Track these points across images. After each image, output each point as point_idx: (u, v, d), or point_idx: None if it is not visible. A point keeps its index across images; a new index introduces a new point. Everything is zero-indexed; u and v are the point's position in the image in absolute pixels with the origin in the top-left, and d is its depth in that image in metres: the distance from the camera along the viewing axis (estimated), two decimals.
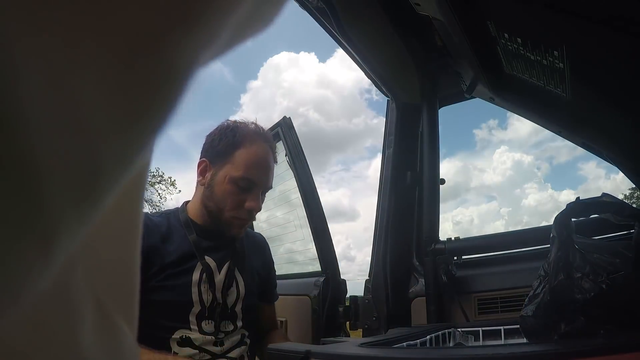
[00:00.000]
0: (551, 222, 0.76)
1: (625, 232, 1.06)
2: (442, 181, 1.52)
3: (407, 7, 1.07)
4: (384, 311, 1.40)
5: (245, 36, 0.15)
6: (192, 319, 1.05)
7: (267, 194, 1.21)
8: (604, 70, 0.77)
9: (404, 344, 0.78)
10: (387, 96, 1.61)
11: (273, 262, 1.36)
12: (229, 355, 1.08)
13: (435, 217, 1.48)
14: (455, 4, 0.90)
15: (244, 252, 1.23)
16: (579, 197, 0.77)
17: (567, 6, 0.65)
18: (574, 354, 0.41)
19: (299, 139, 1.64)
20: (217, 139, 1.15)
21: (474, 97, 1.34)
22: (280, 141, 1.63)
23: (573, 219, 0.76)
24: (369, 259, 1.55)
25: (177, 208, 1.22)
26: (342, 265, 1.78)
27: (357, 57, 1.38)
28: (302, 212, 1.65)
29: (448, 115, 1.61)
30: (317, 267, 1.60)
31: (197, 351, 1.03)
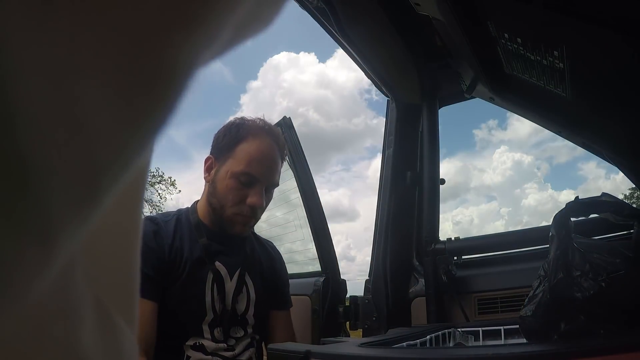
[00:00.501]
0: (551, 222, 0.76)
1: (625, 232, 1.06)
2: (442, 181, 1.52)
3: (407, 7, 1.07)
4: (384, 311, 1.40)
5: (245, 36, 0.15)
6: (205, 327, 1.05)
7: None
8: (604, 70, 0.77)
9: (404, 344, 0.78)
10: (387, 96, 1.61)
11: (286, 270, 1.33)
12: (240, 358, 1.09)
13: (435, 217, 1.48)
14: (455, 4, 0.90)
15: (255, 256, 1.20)
16: (577, 196, 0.77)
17: (567, 6, 0.65)
18: (574, 354, 0.41)
19: (299, 139, 1.64)
20: (222, 135, 1.13)
21: (474, 97, 1.34)
22: (285, 149, 1.63)
23: (572, 219, 0.76)
24: (369, 259, 1.55)
25: (188, 208, 1.20)
26: (342, 265, 1.78)
27: (357, 57, 1.38)
28: (302, 212, 1.65)
29: (448, 115, 1.61)
30: (317, 267, 1.60)
31: (210, 357, 1.04)
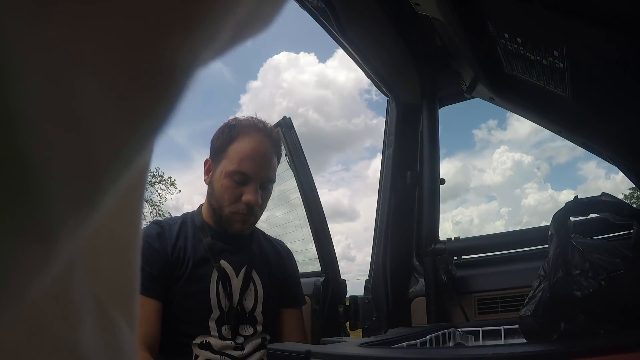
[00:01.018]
0: (550, 221, 0.76)
1: (624, 232, 1.06)
2: (442, 181, 1.52)
3: (407, 7, 1.07)
4: (384, 311, 1.40)
5: (245, 36, 0.15)
6: (212, 324, 1.06)
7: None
8: (604, 70, 0.77)
9: (404, 344, 0.78)
10: (387, 96, 1.61)
11: (296, 268, 1.34)
12: (249, 359, 1.08)
13: (435, 217, 1.48)
14: (455, 4, 0.90)
15: (262, 253, 1.21)
16: (577, 195, 0.77)
17: (567, 6, 0.65)
18: (574, 354, 0.41)
19: (299, 139, 1.64)
20: (216, 137, 1.16)
21: (474, 97, 1.34)
22: (280, 145, 1.63)
23: (572, 219, 0.76)
24: (369, 259, 1.55)
25: (194, 211, 1.23)
26: (342, 265, 1.79)
27: (357, 57, 1.38)
28: (302, 212, 1.65)
29: (448, 116, 1.61)
30: (317, 267, 1.60)
31: (217, 355, 1.04)
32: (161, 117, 0.12)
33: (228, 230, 1.14)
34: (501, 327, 0.92)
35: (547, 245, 0.75)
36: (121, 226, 0.17)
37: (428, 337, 0.84)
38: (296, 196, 1.67)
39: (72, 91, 0.10)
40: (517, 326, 0.84)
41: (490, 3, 0.85)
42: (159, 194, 16.46)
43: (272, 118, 1.38)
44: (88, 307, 0.15)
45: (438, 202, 1.51)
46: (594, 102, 0.90)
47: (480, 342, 0.96)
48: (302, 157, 1.62)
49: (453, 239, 1.45)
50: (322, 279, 1.51)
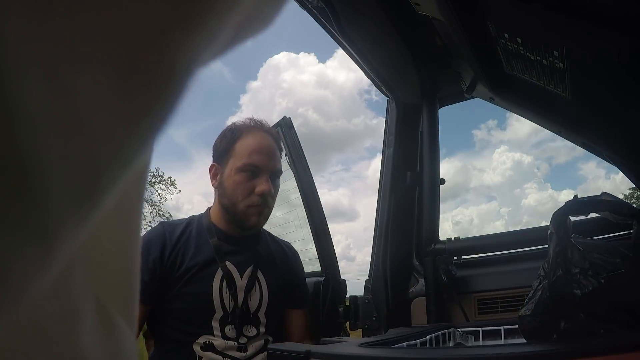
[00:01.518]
0: (550, 220, 0.76)
1: (624, 232, 1.06)
2: (442, 181, 1.52)
3: (407, 7, 1.07)
4: (384, 311, 1.40)
5: (245, 36, 0.15)
6: (215, 324, 1.06)
7: None
8: (604, 70, 0.77)
9: (404, 344, 0.78)
10: (387, 96, 1.61)
11: (302, 269, 1.35)
12: None
13: (435, 217, 1.48)
14: (455, 4, 0.90)
15: (268, 254, 1.22)
16: (576, 195, 0.77)
17: (567, 6, 0.65)
18: (573, 354, 0.41)
19: (299, 139, 1.64)
20: (219, 141, 1.19)
21: (474, 97, 1.34)
22: (280, 141, 1.63)
23: (572, 218, 0.76)
24: (369, 259, 1.55)
25: (201, 214, 1.24)
26: (342, 265, 1.78)
27: (357, 57, 1.37)
28: (302, 212, 1.65)
29: (447, 116, 1.61)
30: (317, 267, 1.59)
31: (220, 357, 1.05)
32: (161, 117, 0.12)
33: (245, 227, 1.15)
34: (501, 327, 0.92)
35: (547, 245, 0.75)
36: (121, 226, 0.17)
37: (428, 337, 0.84)
38: (296, 196, 1.67)
39: (72, 91, 0.10)
40: (517, 326, 0.84)
41: (490, 3, 0.85)
42: (159, 194, 16.46)
43: (271, 118, 1.40)
44: (88, 307, 0.15)
45: (438, 202, 1.50)
46: (594, 102, 0.90)
47: (480, 342, 0.96)
48: (302, 157, 1.62)
49: (453, 239, 1.45)
50: (322, 279, 1.51)
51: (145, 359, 1.62)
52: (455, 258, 1.38)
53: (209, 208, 1.24)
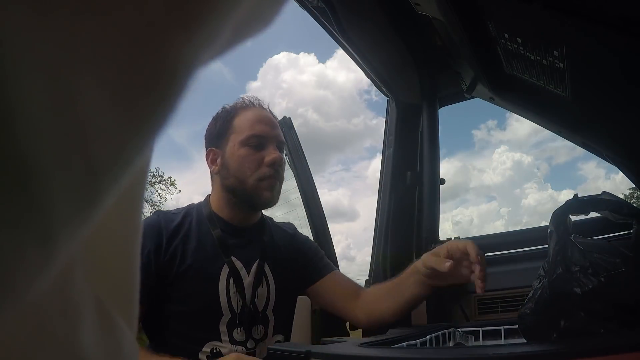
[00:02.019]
0: (550, 218, 0.76)
1: (624, 232, 1.06)
2: (442, 181, 1.52)
3: (407, 7, 1.07)
4: None
5: (245, 36, 0.15)
6: (223, 328, 0.98)
7: None
8: (604, 70, 0.77)
9: (404, 344, 0.78)
10: (387, 96, 1.61)
11: (310, 240, 1.26)
12: None
13: (435, 217, 1.48)
14: (455, 4, 0.90)
15: (273, 243, 1.13)
16: (576, 194, 0.77)
17: (567, 6, 0.65)
18: (574, 354, 0.41)
19: (299, 139, 1.64)
20: (213, 124, 1.11)
21: (474, 97, 1.34)
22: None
23: (572, 218, 0.76)
24: (369, 259, 1.55)
25: (200, 202, 1.13)
26: (342, 265, 1.79)
27: (357, 57, 1.38)
28: (302, 212, 1.65)
29: (447, 116, 1.61)
30: None
31: None
32: (161, 117, 0.12)
33: (257, 204, 1.07)
34: (501, 327, 0.92)
35: (547, 245, 0.75)
36: (121, 226, 0.17)
37: (428, 337, 0.84)
38: (296, 196, 1.67)
39: (73, 91, 0.10)
40: (517, 326, 0.84)
41: (490, 3, 0.85)
42: (159, 194, 16.47)
43: None
44: (88, 306, 0.15)
45: (438, 202, 1.51)
46: (594, 102, 0.90)
47: (480, 342, 0.96)
48: (302, 157, 1.62)
49: (453, 239, 1.45)
50: None
51: None
52: None
53: (209, 196, 1.13)
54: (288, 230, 1.21)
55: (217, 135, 1.09)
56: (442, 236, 1.47)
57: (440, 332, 0.90)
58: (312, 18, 1.24)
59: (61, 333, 0.14)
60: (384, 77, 1.50)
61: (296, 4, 1.19)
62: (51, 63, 0.09)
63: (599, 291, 0.58)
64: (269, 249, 1.10)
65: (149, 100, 0.11)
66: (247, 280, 1.03)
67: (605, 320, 0.57)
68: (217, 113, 1.13)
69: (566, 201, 0.76)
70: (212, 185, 1.13)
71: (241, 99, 1.13)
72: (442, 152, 1.61)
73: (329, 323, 1.46)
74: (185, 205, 1.15)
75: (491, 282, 1.29)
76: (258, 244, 1.09)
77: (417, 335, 0.83)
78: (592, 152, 1.07)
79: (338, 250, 1.72)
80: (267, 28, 0.15)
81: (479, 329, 0.96)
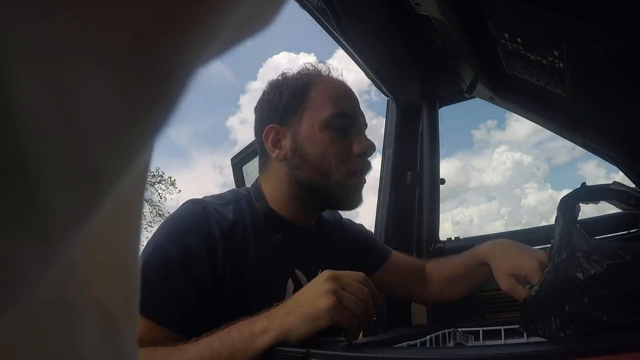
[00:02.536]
0: (551, 222, 0.76)
1: (625, 232, 1.06)
2: (442, 181, 1.52)
3: (407, 7, 1.07)
4: (384, 311, 1.40)
5: (245, 36, 0.14)
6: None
7: None
8: (604, 70, 0.77)
9: (404, 344, 0.78)
10: (387, 96, 1.61)
11: (361, 227, 1.07)
12: None
13: (435, 217, 1.48)
14: (455, 4, 0.90)
15: (331, 243, 0.93)
16: (585, 182, 0.76)
17: (567, 6, 0.65)
18: (574, 354, 0.41)
19: None
20: (277, 94, 0.84)
21: (474, 97, 1.34)
22: None
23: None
24: None
25: (247, 191, 0.86)
26: None
27: (357, 57, 1.38)
28: None
29: (446, 116, 1.61)
30: None
31: None
32: (161, 116, 0.12)
33: (339, 204, 0.85)
34: (501, 327, 0.92)
35: (548, 245, 0.74)
36: (121, 226, 0.17)
37: (428, 337, 0.84)
38: None
39: (72, 91, 0.10)
40: (517, 326, 0.84)
41: (490, 3, 0.85)
42: (159, 194, 16.44)
43: None
44: (88, 307, 0.15)
45: (438, 202, 1.51)
46: (594, 102, 0.90)
47: (481, 342, 0.96)
48: None
49: (453, 239, 1.45)
50: None
51: None
52: None
53: (259, 185, 0.86)
54: (339, 221, 1.01)
55: (285, 108, 0.83)
56: (442, 236, 1.47)
57: (440, 332, 0.90)
58: (312, 18, 1.24)
59: (61, 334, 0.14)
60: (384, 77, 1.50)
61: (296, 4, 1.19)
62: (51, 61, 0.09)
63: (603, 278, 0.58)
64: (329, 252, 0.90)
65: (149, 99, 0.11)
66: None
67: (610, 307, 0.56)
68: (277, 80, 0.87)
69: (575, 188, 0.75)
70: (269, 172, 0.87)
71: (310, 64, 0.89)
72: (442, 152, 1.61)
73: None
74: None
75: (491, 282, 1.29)
76: (319, 248, 0.89)
77: (417, 335, 0.82)
78: (592, 152, 1.07)
79: None
80: (267, 28, 0.15)
81: (479, 329, 0.96)
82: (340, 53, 1.41)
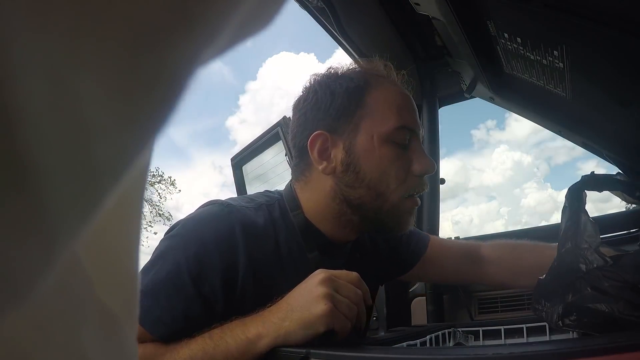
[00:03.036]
0: (551, 222, 0.76)
1: (624, 232, 1.06)
2: (442, 181, 1.52)
3: (407, 7, 1.07)
4: (384, 311, 1.40)
5: (245, 36, 0.15)
6: None
7: None
8: (604, 70, 0.77)
9: (404, 344, 0.78)
10: None
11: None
12: None
13: (436, 217, 1.48)
14: (455, 4, 0.90)
15: (369, 258, 0.86)
16: (593, 171, 0.76)
17: (567, 6, 0.65)
18: (574, 354, 0.41)
19: None
20: (328, 94, 0.73)
21: (474, 97, 1.34)
22: (280, 141, 1.64)
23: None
24: None
25: (280, 199, 0.76)
26: None
27: (357, 57, 1.38)
28: None
29: (447, 116, 1.61)
30: None
31: None
32: (161, 116, 0.12)
33: (390, 229, 0.75)
34: (501, 327, 0.92)
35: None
36: (122, 226, 0.17)
37: (428, 337, 0.84)
38: None
39: (73, 91, 0.10)
40: (517, 326, 0.84)
41: (490, 3, 0.85)
42: (159, 194, 16.45)
43: (271, 118, 1.38)
44: (89, 306, 0.15)
45: (438, 202, 1.51)
46: (594, 102, 0.90)
47: (481, 342, 0.96)
48: None
49: (453, 238, 1.45)
50: None
51: None
52: None
53: (294, 192, 0.76)
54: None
55: (336, 114, 0.72)
56: (442, 236, 1.47)
57: (440, 332, 0.90)
58: (312, 18, 1.24)
59: (62, 333, 0.14)
60: None
61: (296, 4, 1.19)
62: (52, 62, 0.09)
63: (607, 269, 0.58)
64: (363, 265, 0.80)
65: (149, 99, 0.11)
66: None
67: (612, 299, 0.57)
68: (327, 76, 0.75)
69: (582, 176, 0.75)
70: (308, 182, 0.76)
71: (365, 60, 0.80)
72: (441, 152, 1.61)
73: None
74: (185, 205, 0.82)
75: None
76: (352, 263, 0.81)
77: (417, 335, 0.82)
78: (592, 152, 1.07)
79: None
80: (267, 27, 0.15)
81: (479, 329, 0.96)
82: (340, 53, 1.41)
